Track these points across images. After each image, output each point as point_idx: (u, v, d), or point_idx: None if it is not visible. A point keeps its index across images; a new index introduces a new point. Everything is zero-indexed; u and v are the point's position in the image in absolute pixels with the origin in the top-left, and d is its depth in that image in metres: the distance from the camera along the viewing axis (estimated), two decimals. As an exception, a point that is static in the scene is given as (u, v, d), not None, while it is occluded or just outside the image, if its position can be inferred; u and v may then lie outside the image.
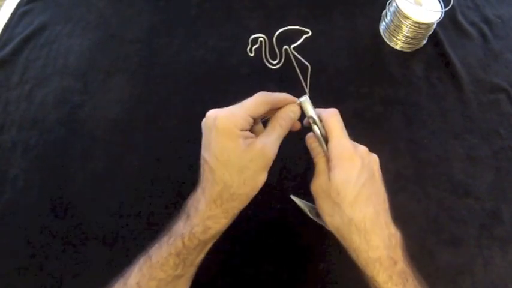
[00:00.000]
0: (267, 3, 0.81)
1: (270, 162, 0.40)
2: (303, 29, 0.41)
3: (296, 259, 0.56)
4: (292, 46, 0.41)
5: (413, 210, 0.60)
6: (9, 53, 0.73)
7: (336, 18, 0.80)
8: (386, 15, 0.76)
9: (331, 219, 0.42)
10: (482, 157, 0.65)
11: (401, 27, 0.72)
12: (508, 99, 0.72)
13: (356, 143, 0.43)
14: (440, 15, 0.71)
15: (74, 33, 0.76)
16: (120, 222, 0.58)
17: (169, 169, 0.62)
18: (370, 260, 0.40)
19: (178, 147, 0.64)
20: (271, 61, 0.42)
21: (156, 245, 0.41)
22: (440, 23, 0.74)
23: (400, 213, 0.59)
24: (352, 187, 0.40)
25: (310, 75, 0.42)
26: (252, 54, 0.41)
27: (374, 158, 0.44)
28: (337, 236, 0.43)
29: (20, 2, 0.81)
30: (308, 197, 0.58)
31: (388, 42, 0.77)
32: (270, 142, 0.39)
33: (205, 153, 0.40)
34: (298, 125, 0.45)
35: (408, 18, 0.70)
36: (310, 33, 0.41)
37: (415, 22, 0.70)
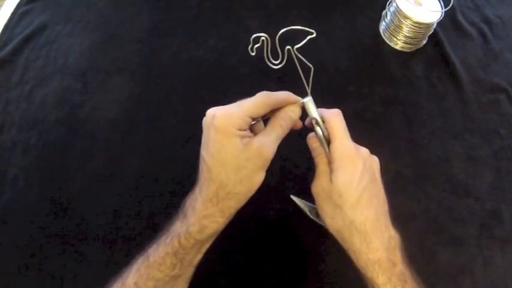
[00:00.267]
0: (267, 3, 0.81)
1: (267, 163, 0.39)
2: (308, 29, 0.40)
3: (296, 259, 0.56)
4: (296, 47, 0.40)
5: (413, 210, 0.60)
6: (9, 53, 0.73)
7: (336, 18, 0.80)
8: (386, 15, 0.76)
9: (332, 221, 0.42)
10: (482, 157, 0.65)
11: (401, 27, 0.72)
12: (508, 99, 0.72)
13: (357, 145, 0.43)
14: (440, 15, 0.71)
15: (74, 33, 0.76)
16: (120, 222, 0.58)
17: (169, 169, 0.62)
18: (369, 262, 0.40)
19: (178, 147, 0.64)
20: (273, 61, 0.41)
21: (154, 245, 0.41)
22: (440, 23, 0.74)
23: (400, 213, 0.59)
24: (354, 189, 0.40)
25: (308, 74, 0.42)
26: (253, 54, 0.40)
27: (375, 161, 0.44)
28: (337, 237, 0.43)
29: (20, 2, 0.81)
30: (308, 197, 0.58)
31: (388, 42, 0.77)
32: (267, 142, 0.39)
33: (203, 152, 0.40)
34: (299, 124, 0.44)
35: (408, 18, 0.70)
36: (314, 35, 0.40)
37: (415, 22, 0.70)
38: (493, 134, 0.68)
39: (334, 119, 0.42)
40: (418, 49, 0.77)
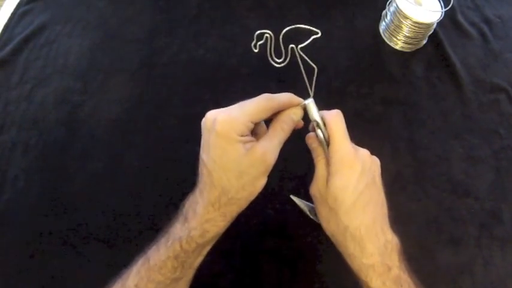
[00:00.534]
0: (267, 3, 0.81)
1: (270, 168, 0.39)
2: (313, 29, 0.40)
3: (295, 259, 0.56)
4: (300, 46, 0.40)
5: (413, 210, 0.60)
6: (9, 53, 0.73)
7: (336, 18, 0.80)
8: (386, 15, 0.76)
9: (327, 225, 0.42)
10: (482, 157, 0.65)
11: (401, 27, 0.72)
12: (508, 99, 0.72)
13: (357, 147, 0.42)
14: (440, 15, 0.71)
15: (74, 33, 0.76)
16: (120, 222, 0.58)
17: (169, 169, 0.62)
18: (363, 266, 0.40)
19: (178, 147, 0.64)
20: (276, 59, 0.41)
21: (154, 247, 0.41)
22: (440, 23, 0.74)
23: (400, 213, 0.59)
24: (350, 194, 0.39)
25: (310, 75, 0.41)
26: (256, 50, 0.40)
27: (376, 162, 0.43)
28: (332, 240, 0.43)
29: (20, 2, 0.81)
30: (308, 197, 0.58)
31: (388, 42, 0.77)
32: (271, 147, 0.39)
33: (203, 155, 0.40)
34: (301, 124, 0.44)
35: (408, 18, 0.70)
36: (319, 34, 0.40)
37: (415, 22, 0.70)
38: (493, 134, 0.68)
39: (334, 121, 0.41)
40: (418, 49, 0.77)
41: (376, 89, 0.71)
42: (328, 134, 0.42)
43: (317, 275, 0.55)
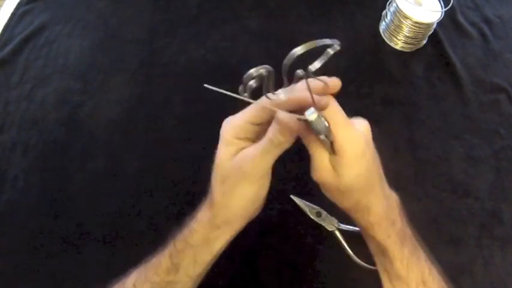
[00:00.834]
0: (267, 3, 0.81)
1: (250, 177, 0.36)
2: (330, 41, 0.29)
3: (296, 259, 0.56)
4: (313, 69, 0.31)
5: (413, 210, 0.60)
6: (9, 53, 0.73)
7: (335, 18, 0.80)
8: (386, 15, 0.76)
9: (337, 201, 0.41)
10: (482, 157, 0.65)
11: (401, 27, 0.72)
12: (508, 99, 0.72)
13: (354, 120, 0.39)
14: (440, 15, 0.71)
15: (74, 33, 0.76)
16: (120, 222, 0.58)
17: (169, 169, 0.62)
18: (369, 223, 0.40)
19: (178, 147, 0.64)
20: (275, 93, 0.33)
21: (159, 249, 0.41)
22: (440, 23, 0.74)
23: (400, 213, 0.59)
24: (364, 178, 0.38)
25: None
26: (246, 95, 0.32)
27: (367, 126, 0.41)
28: (341, 209, 0.42)
29: (20, 2, 0.81)
30: (308, 197, 0.59)
31: (388, 42, 0.77)
32: (250, 155, 0.35)
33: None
34: (335, 86, 0.40)
35: (408, 18, 0.70)
36: (338, 47, 0.31)
37: (415, 22, 0.70)
38: (493, 134, 0.68)
39: (333, 110, 0.37)
40: (418, 49, 0.77)
41: (376, 89, 0.71)
42: (327, 121, 0.36)
43: (317, 275, 0.55)
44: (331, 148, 0.36)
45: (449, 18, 0.79)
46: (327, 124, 0.33)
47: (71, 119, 0.66)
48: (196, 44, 0.75)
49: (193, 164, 0.62)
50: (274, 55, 0.72)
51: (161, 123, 0.66)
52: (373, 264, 0.43)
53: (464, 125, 0.68)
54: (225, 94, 0.32)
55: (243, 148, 0.37)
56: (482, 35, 0.80)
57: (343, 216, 0.49)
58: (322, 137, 0.35)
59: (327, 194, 0.41)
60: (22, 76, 0.71)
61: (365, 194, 0.39)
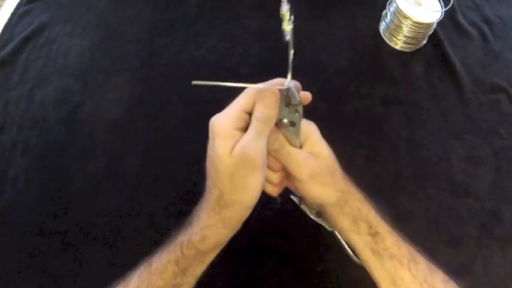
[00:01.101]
0: (267, 3, 0.81)
1: (258, 163, 0.36)
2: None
3: (296, 259, 0.56)
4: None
5: (413, 210, 0.60)
6: (9, 53, 0.73)
7: (336, 18, 0.80)
8: (386, 15, 0.76)
9: (327, 188, 0.43)
10: (482, 157, 0.65)
11: (401, 27, 0.72)
12: (508, 99, 0.72)
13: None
14: (440, 15, 0.71)
15: (74, 33, 0.76)
16: (120, 222, 0.58)
17: (169, 169, 0.62)
18: (358, 203, 0.43)
19: (178, 147, 0.64)
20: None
21: (159, 253, 0.41)
22: (440, 23, 0.74)
23: (400, 213, 0.59)
24: (332, 156, 0.42)
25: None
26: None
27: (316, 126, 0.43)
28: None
29: (20, 2, 0.81)
30: (308, 197, 0.58)
31: (388, 42, 0.77)
32: (248, 141, 0.36)
33: (207, 158, 0.39)
34: (308, 97, 0.41)
35: (408, 18, 0.70)
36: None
37: (415, 22, 0.70)
38: (493, 134, 0.68)
39: (311, 125, 0.42)
40: (418, 49, 0.77)
41: (376, 89, 0.71)
42: (302, 136, 0.41)
43: (317, 275, 0.55)
44: (299, 142, 0.41)
45: (449, 18, 0.80)
46: (298, 99, 0.39)
47: (71, 119, 0.66)
48: (196, 44, 0.75)
49: (193, 164, 0.62)
50: (274, 55, 0.72)
51: (161, 123, 0.66)
52: None
53: (464, 125, 0.68)
54: (217, 86, 0.36)
55: (237, 141, 0.37)
56: (482, 35, 0.80)
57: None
58: (291, 129, 0.40)
59: (315, 188, 0.42)
60: (22, 76, 0.71)
61: (340, 169, 0.42)
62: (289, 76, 0.38)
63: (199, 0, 0.81)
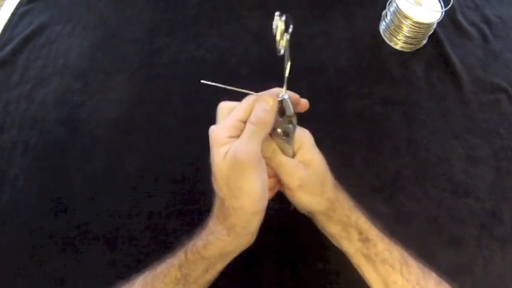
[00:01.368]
0: (267, 3, 0.81)
1: (247, 165, 0.36)
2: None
3: (296, 259, 0.56)
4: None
5: (414, 210, 0.60)
6: (9, 53, 0.73)
7: (336, 18, 0.80)
8: (386, 15, 0.76)
9: (318, 196, 0.44)
10: (482, 157, 0.65)
11: (401, 27, 0.72)
12: (508, 99, 0.72)
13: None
14: (440, 15, 0.71)
15: (74, 33, 0.76)
16: (120, 222, 0.57)
17: (169, 169, 0.62)
18: (348, 210, 0.44)
19: (178, 147, 0.64)
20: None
21: (166, 258, 0.41)
22: (440, 23, 0.74)
23: (400, 213, 0.59)
24: (324, 161, 0.43)
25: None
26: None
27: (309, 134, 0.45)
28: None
29: (20, 2, 0.81)
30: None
31: (388, 42, 0.77)
32: (239, 144, 0.36)
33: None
34: (306, 105, 0.42)
35: (408, 18, 0.70)
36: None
37: (415, 22, 0.70)
38: (493, 134, 0.68)
39: (304, 132, 0.43)
40: (418, 49, 0.77)
41: (376, 89, 0.71)
42: (296, 145, 0.42)
43: (317, 274, 0.55)
44: (292, 151, 0.42)
45: (449, 18, 0.80)
46: (292, 110, 0.40)
47: (71, 119, 0.66)
48: (196, 44, 0.75)
49: (193, 164, 0.62)
50: (274, 55, 0.72)
51: (161, 123, 0.66)
52: None
53: (464, 125, 0.68)
54: (224, 89, 0.38)
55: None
56: (482, 35, 0.80)
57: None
58: (284, 139, 0.41)
59: (304, 197, 0.42)
60: (22, 76, 0.71)
61: (331, 178, 0.43)
62: (284, 87, 0.40)
63: (199, 0, 0.81)
